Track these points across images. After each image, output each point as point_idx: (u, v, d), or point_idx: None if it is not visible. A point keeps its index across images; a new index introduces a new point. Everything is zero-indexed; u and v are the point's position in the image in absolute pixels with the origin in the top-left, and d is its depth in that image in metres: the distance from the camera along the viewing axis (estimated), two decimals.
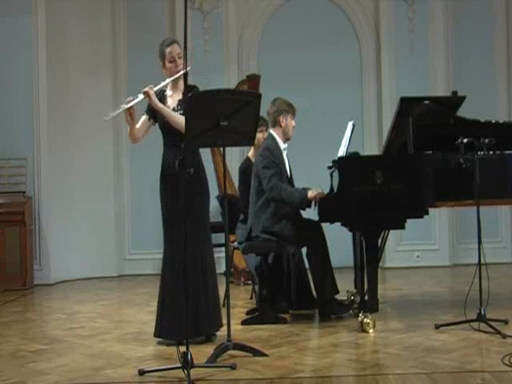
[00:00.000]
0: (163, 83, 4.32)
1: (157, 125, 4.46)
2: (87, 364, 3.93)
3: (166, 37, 8.40)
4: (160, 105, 4.26)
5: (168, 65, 4.33)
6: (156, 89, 4.27)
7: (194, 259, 4.22)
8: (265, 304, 5.05)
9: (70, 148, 8.13)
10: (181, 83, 4.31)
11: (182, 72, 4.17)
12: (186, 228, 3.61)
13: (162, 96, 4.39)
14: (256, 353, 3.95)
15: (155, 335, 4.36)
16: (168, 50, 4.33)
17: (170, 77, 4.32)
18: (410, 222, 4.63)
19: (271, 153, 5.11)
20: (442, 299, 6.02)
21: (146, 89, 4.21)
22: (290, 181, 5.27)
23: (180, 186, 3.82)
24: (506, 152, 4.74)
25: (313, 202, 4.91)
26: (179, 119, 4.19)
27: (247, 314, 5.28)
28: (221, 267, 6.47)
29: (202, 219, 4.34)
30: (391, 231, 5.43)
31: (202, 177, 4.37)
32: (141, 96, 4.21)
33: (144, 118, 4.43)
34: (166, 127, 4.32)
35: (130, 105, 4.14)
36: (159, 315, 4.35)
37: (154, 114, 4.39)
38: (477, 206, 4.47)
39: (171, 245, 4.29)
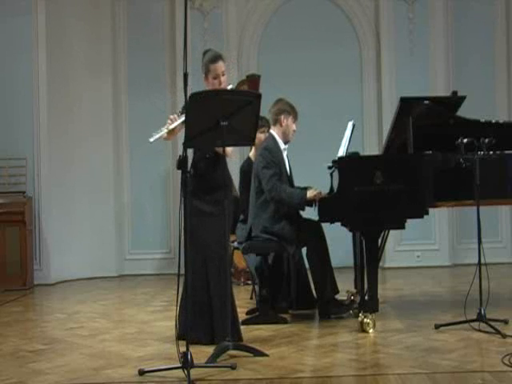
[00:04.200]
0: None
1: None
2: (87, 364, 3.93)
3: (166, 37, 8.64)
4: None
5: (212, 80, 4.37)
6: None
7: (212, 267, 4.25)
8: (265, 304, 5.05)
9: (70, 148, 8.13)
10: None
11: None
12: (187, 229, 3.62)
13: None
14: (256, 353, 3.94)
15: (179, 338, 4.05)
16: (213, 66, 4.35)
17: None
18: (410, 222, 4.63)
19: (271, 153, 5.11)
20: (442, 299, 6.02)
21: None
22: (290, 180, 5.27)
23: (184, 186, 3.80)
24: (506, 152, 4.74)
25: (313, 202, 4.93)
26: None
27: (247, 314, 5.28)
28: None
29: (223, 228, 4.23)
30: (391, 231, 5.43)
31: (225, 183, 4.31)
32: (183, 117, 4.05)
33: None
34: None
35: (172, 126, 4.12)
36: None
37: None
38: (477, 206, 4.47)
39: (192, 249, 4.16)
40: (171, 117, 4.18)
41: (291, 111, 5.24)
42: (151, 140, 4.08)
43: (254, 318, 5.05)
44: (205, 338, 4.21)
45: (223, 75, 4.37)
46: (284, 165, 5.19)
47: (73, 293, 7.15)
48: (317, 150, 7.94)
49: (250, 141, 4.10)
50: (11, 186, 7.56)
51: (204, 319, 4.24)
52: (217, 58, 4.39)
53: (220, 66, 4.37)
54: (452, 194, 4.75)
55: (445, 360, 3.73)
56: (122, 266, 8.51)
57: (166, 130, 4.12)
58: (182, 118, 4.07)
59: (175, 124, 4.15)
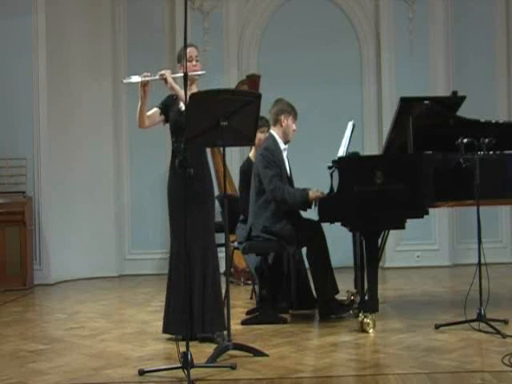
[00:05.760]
0: (179, 74, 4.37)
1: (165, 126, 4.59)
2: (87, 364, 3.94)
3: (166, 37, 8.64)
4: (177, 86, 4.33)
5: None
6: (172, 76, 4.37)
7: (195, 259, 4.30)
8: (265, 304, 5.05)
9: (70, 148, 8.12)
10: (194, 86, 4.46)
11: (199, 72, 4.41)
12: (187, 228, 3.64)
13: (175, 95, 4.47)
14: (256, 353, 3.95)
15: (163, 331, 4.43)
16: (186, 50, 4.39)
17: None
18: (410, 222, 4.63)
19: (271, 153, 5.11)
20: (442, 299, 6.02)
21: (163, 71, 4.35)
22: (290, 181, 5.28)
23: (184, 187, 3.84)
24: (506, 152, 4.74)
25: (313, 202, 4.94)
26: None
27: (247, 313, 5.28)
28: (221, 267, 6.44)
29: (206, 220, 4.39)
30: (391, 231, 5.42)
31: (206, 176, 4.40)
32: (157, 76, 4.35)
33: (156, 109, 4.54)
34: (178, 127, 4.36)
35: (145, 79, 4.32)
36: (166, 311, 4.44)
37: (166, 112, 4.49)
38: (477, 206, 4.47)
39: (176, 243, 4.33)
40: (146, 73, 4.37)
41: (291, 111, 5.24)
42: (124, 81, 4.38)
43: (254, 318, 5.05)
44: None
45: (197, 60, 4.46)
46: (284, 165, 5.19)
47: (73, 293, 7.15)
48: (317, 150, 7.95)
49: (249, 141, 4.12)
50: (11, 186, 7.55)
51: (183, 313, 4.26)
52: (190, 44, 4.49)
53: (193, 50, 4.47)
54: (452, 194, 4.75)
55: (445, 360, 3.73)
56: (122, 266, 8.50)
57: (138, 79, 4.33)
58: (156, 77, 4.34)
59: (149, 78, 4.32)
